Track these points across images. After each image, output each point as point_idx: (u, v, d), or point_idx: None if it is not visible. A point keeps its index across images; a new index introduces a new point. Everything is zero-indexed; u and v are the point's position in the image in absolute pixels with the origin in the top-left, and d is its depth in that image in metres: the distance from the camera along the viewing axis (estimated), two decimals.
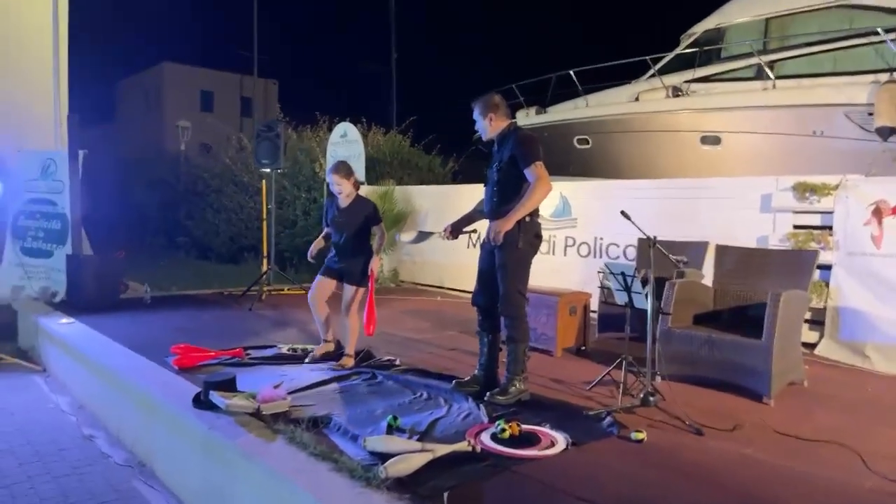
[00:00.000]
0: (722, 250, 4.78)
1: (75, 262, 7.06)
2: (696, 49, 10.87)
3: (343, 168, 4.60)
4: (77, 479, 3.67)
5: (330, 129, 11.55)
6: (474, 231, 4.23)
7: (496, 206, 3.81)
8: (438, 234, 4.16)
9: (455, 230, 4.11)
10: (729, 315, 4.49)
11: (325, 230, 4.78)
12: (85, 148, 7.69)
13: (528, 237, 3.73)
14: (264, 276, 7.94)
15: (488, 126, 3.88)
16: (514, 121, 3.98)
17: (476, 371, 4.03)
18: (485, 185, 4.00)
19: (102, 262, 7.79)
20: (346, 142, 10.11)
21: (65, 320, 6.03)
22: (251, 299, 7.54)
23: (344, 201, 4.59)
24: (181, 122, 18.58)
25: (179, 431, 3.54)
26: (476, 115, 3.93)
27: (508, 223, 3.62)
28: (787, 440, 3.30)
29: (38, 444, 4.13)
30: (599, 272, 4.15)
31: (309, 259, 4.86)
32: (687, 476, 2.79)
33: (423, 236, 4.63)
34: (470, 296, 4.07)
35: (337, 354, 4.69)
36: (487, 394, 3.72)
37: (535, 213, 3.77)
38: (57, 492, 3.48)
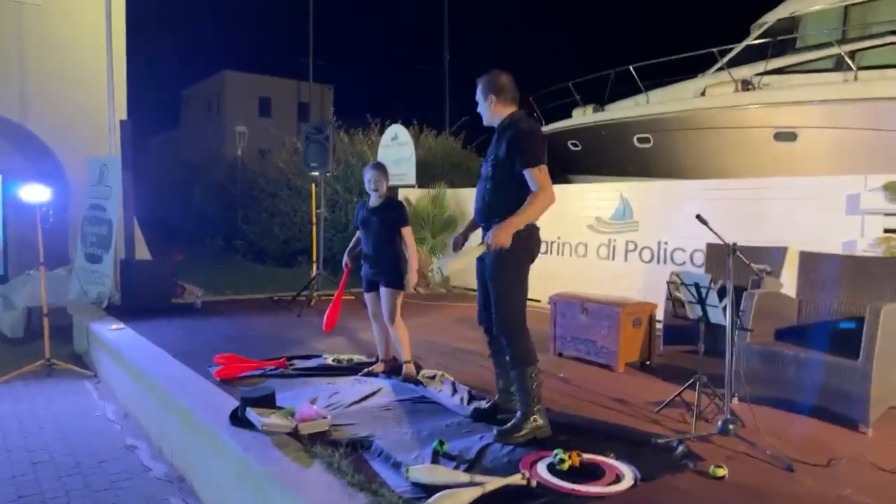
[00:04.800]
0: (807, 257, 4.30)
1: (128, 266, 7.08)
2: (769, 39, 10.20)
3: (383, 167, 4.52)
4: (114, 494, 3.53)
5: (381, 132, 11.42)
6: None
7: (487, 207, 3.32)
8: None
9: (456, 247, 3.69)
10: (817, 330, 4.00)
11: (358, 234, 4.61)
12: (148, 153, 7.76)
13: (522, 244, 3.18)
14: (313, 282, 7.80)
15: (488, 109, 3.33)
16: (519, 110, 3.38)
17: (496, 398, 3.60)
18: (478, 182, 3.50)
19: (155, 266, 7.82)
20: (396, 144, 9.93)
21: (115, 326, 6.01)
22: (300, 305, 7.41)
23: (375, 201, 4.41)
24: (238, 127, 18.89)
25: (216, 449, 3.35)
26: (477, 94, 3.40)
27: (506, 234, 3.06)
28: (889, 478, 2.85)
29: (80, 455, 4.04)
30: (669, 283, 3.75)
31: (343, 264, 4.67)
32: None
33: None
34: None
35: (393, 370, 4.44)
36: (496, 430, 3.22)
37: None
38: None
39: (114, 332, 5.81)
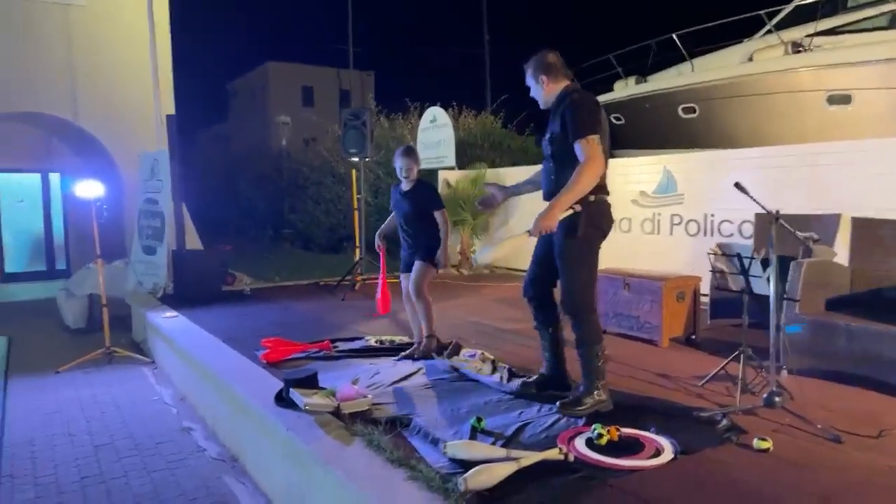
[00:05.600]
0: (860, 224, 4.12)
1: (179, 257, 7.32)
2: None
3: (414, 153, 4.50)
4: (170, 473, 3.70)
5: (421, 116, 11.43)
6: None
7: (554, 186, 3.25)
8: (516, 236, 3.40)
9: (487, 199, 3.64)
10: (870, 300, 3.85)
11: (392, 216, 4.67)
12: (198, 147, 8.00)
13: (591, 219, 3.13)
14: (357, 266, 7.91)
15: (541, 90, 3.29)
16: (572, 83, 3.32)
17: (542, 370, 3.59)
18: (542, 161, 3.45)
19: (206, 256, 8.07)
20: (435, 126, 9.92)
21: (169, 314, 6.24)
22: (345, 289, 7.53)
23: (407, 185, 4.44)
24: (281, 117, 19.19)
25: (264, 429, 3.46)
26: (528, 78, 3.37)
27: (552, 217, 3.02)
28: None
29: (139, 438, 4.24)
30: (710, 254, 3.66)
31: (376, 247, 4.74)
32: (824, 495, 2.32)
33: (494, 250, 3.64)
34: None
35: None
36: (558, 403, 3.24)
37: (600, 190, 3.15)
38: (150, 488, 3.52)
39: (168, 319, 6.04)
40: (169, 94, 9.69)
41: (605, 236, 3.25)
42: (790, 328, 3.32)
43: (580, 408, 3.17)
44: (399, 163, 4.39)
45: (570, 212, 3.11)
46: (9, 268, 11.83)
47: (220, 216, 19.12)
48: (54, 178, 11.96)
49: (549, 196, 3.33)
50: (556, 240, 3.21)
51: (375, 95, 19.80)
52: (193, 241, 9.51)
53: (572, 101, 3.16)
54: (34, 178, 11.88)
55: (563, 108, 3.18)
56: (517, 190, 3.71)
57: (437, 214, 4.32)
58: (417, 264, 4.36)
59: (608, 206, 3.25)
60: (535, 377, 3.60)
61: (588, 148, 3.05)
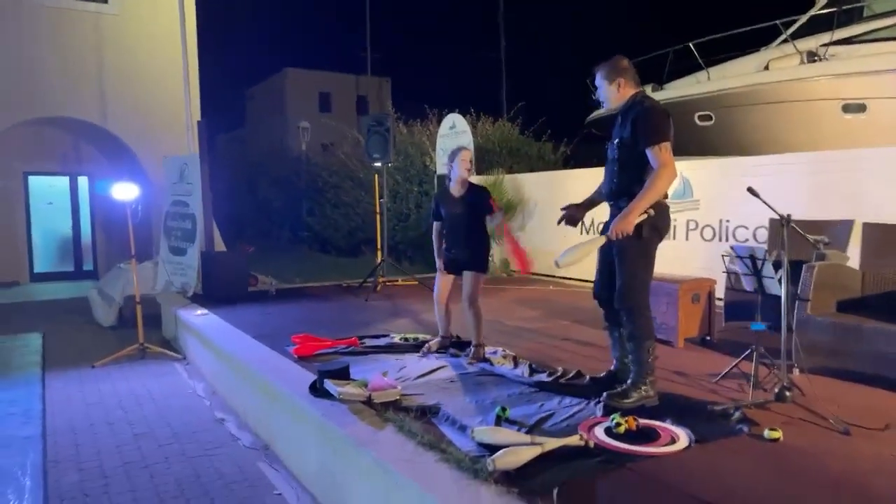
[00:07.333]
0: (871, 229, 4.26)
1: (208, 258, 7.56)
2: (834, 9, 9.82)
3: (470, 151, 4.52)
4: (208, 460, 3.90)
5: (439, 122, 11.63)
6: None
7: (616, 188, 3.40)
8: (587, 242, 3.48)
9: (571, 217, 3.66)
10: (880, 301, 3.98)
11: (436, 225, 4.62)
12: (217, 151, 8.25)
13: (654, 223, 3.27)
14: (379, 268, 8.12)
15: (616, 93, 3.37)
16: (642, 90, 3.43)
17: (612, 368, 3.70)
18: (605, 164, 3.57)
19: (232, 257, 8.31)
20: (454, 133, 10.12)
21: (199, 312, 6.48)
22: (367, 290, 7.74)
23: (458, 190, 4.44)
24: (301, 123, 19.50)
25: (297, 417, 3.66)
26: (599, 80, 3.41)
27: (628, 222, 3.17)
28: None
29: (176, 427, 4.45)
30: (724, 256, 3.81)
31: (441, 269, 4.64)
32: (830, 483, 2.48)
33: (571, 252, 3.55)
34: (583, 284, 3.73)
35: (451, 345, 4.67)
36: (605, 394, 3.36)
37: (663, 196, 3.33)
38: (190, 472, 3.72)
39: (199, 317, 6.27)
40: (196, 101, 9.99)
41: (661, 238, 3.38)
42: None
43: (627, 400, 3.28)
44: (456, 157, 4.33)
45: (645, 216, 3.24)
46: (37, 268, 12.21)
47: (239, 219, 19.41)
48: (83, 181, 12.34)
49: (608, 196, 3.51)
50: (616, 240, 3.31)
51: (392, 101, 20.07)
52: (217, 243, 9.76)
53: (645, 109, 3.27)
54: (63, 181, 12.26)
55: (635, 114, 3.28)
56: (591, 202, 3.77)
57: (489, 218, 4.35)
58: (471, 275, 4.33)
59: (667, 207, 3.37)
60: (603, 375, 3.71)
61: (661, 155, 3.18)
